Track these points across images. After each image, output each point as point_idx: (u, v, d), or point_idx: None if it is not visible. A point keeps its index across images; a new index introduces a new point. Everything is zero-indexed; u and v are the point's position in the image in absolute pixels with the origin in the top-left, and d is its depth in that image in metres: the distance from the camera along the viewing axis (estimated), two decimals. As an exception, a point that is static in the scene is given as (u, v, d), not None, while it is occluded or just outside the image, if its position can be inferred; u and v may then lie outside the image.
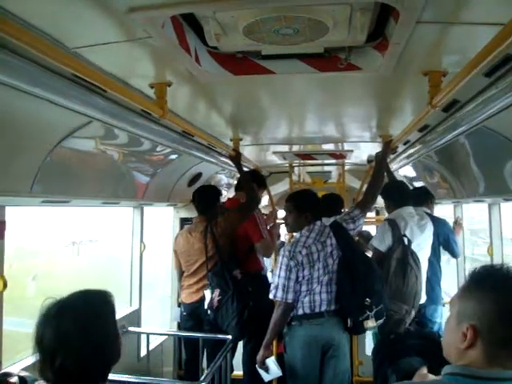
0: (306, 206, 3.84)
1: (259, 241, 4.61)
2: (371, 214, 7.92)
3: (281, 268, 3.64)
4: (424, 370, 1.84)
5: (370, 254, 6.01)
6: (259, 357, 3.72)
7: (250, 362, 4.33)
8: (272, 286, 3.68)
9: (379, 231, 4.31)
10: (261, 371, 3.75)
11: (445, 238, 4.77)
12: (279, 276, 3.63)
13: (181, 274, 4.74)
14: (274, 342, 5.01)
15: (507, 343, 1.42)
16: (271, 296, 3.66)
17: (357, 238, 5.66)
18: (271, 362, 3.70)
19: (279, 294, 3.61)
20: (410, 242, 4.13)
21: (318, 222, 3.81)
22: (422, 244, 4.29)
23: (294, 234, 4.07)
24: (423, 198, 4.88)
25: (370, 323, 3.54)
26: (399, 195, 4.49)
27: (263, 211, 5.53)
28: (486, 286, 1.47)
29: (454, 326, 1.51)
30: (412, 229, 4.23)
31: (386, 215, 7.63)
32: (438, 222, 4.68)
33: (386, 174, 4.81)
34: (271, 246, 4.79)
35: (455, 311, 1.52)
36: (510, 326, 1.41)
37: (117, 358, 1.73)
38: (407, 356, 2.96)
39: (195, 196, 4.66)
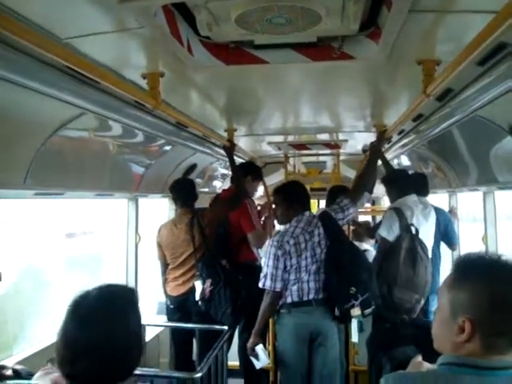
0: (294, 197, 3.92)
1: (251, 231, 4.67)
2: (367, 204, 7.92)
3: (269, 257, 3.74)
4: (419, 359, 1.85)
5: (369, 243, 6.10)
6: (249, 344, 3.80)
7: (245, 351, 4.36)
8: (261, 275, 3.77)
9: (386, 220, 4.27)
10: (252, 358, 3.82)
11: (444, 227, 4.79)
12: (268, 265, 3.73)
13: (165, 266, 4.76)
14: (270, 332, 5.06)
15: (504, 332, 1.43)
16: (260, 285, 3.75)
17: (353, 228, 5.68)
18: (260, 349, 3.79)
19: (268, 282, 3.71)
20: (417, 231, 4.14)
21: (307, 213, 3.88)
22: (427, 233, 4.30)
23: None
24: (423, 186, 4.87)
25: (356, 311, 3.59)
26: (403, 183, 4.49)
27: (258, 202, 5.53)
28: (475, 275, 1.47)
29: (446, 318, 1.50)
30: (418, 217, 4.23)
31: (384, 205, 7.68)
32: (437, 211, 4.69)
33: (382, 163, 4.83)
34: (263, 236, 4.81)
35: (446, 303, 1.52)
36: (504, 315, 1.41)
37: (141, 355, 1.69)
38: (402, 345, 2.97)
39: (175, 190, 4.73)
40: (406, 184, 4.49)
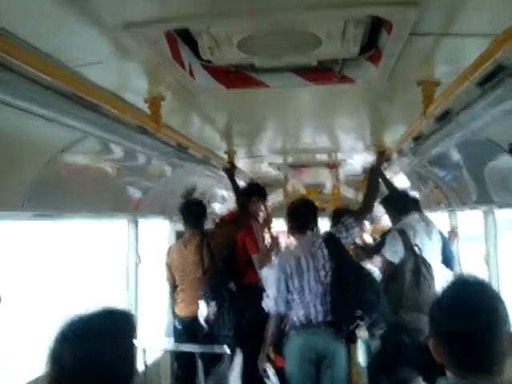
0: (295, 216, 3.96)
1: (255, 253, 4.65)
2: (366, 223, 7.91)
3: (270, 279, 3.78)
4: (419, 382, 1.84)
5: (373, 264, 6.08)
6: (261, 365, 3.78)
7: (249, 374, 4.32)
8: (264, 295, 3.79)
9: (389, 243, 4.25)
10: (266, 380, 3.80)
11: (442, 248, 4.78)
12: (270, 287, 3.76)
13: (173, 287, 4.74)
14: (274, 356, 5.02)
15: (466, 352, 1.46)
16: (264, 307, 3.76)
17: (351, 247, 5.66)
18: (269, 370, 3.77)
19: (271, 304, 3.72)
20: (420, 250, 4.14)
21: (309, 232, 3.86)
22: (431, 251, 4.29)
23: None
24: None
25: (362, 332, 3.57)
26: (402, 203, 4.49)
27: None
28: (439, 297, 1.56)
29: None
30: (421, 237, 4.23)
31: (382, 224, 7.64)
32: None
33: (384, 183, 4.83)
34: (265, 258, 4.79)
35: None
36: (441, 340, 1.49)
37: (133, 378, 1.66)
38: (403, 367, 2.95)
39: (184, 210, 4.68)
40: (405, 204, 4.49)
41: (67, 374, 1.52)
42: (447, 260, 4.84)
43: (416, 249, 4.11)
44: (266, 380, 3.79)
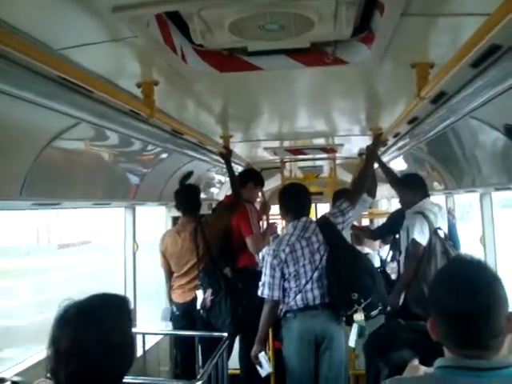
0: (290, 201, 3.95)
1: (249, 235, 4.67)
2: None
3: (266, 266, 3.77)
4: (415, 362, 1.86)
5: (370, 247, 6.12)
6: (253, 352, 3.81)
7: (246, 358, 4.35)
8: (260, 284, 3.78)
9: (418, 225, 4.24)
10: (257, 367, 3.84)
11: (448, 232, 4.80)
12: (265, 274, 3.76)
13: (169, 274, 4.75)
14: (270, 339, 5.05)
15: (449, 336, 1.50)
16: (259, 293, 3.77)
17: (351, 232, 5.67)
18: (262, 357, 3.80)
19: (266, 291, 3.74)
20: (445, 234, 4.24)
21: (303, 218, 3.86)
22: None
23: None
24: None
25: (358, 316, 3.58)
26: (421, 186, 4.53)
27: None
28: (436, 276, 1.60)
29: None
30: (439, 220, 4.30)
31: (382, 208, 7.66)
32: None
33: (379, 166, 4.83)
34: (261, 242, 4.80)
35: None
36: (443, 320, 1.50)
37: (131, 364, 1.71)
38: (398, 349, 2.97)
39: (178, 196, 4.67)
40: (424, 187, 4.54)
41: (65, 358, 1.56)
42: (454, 243, 4.87)
43: (440, 232, 4.19)
44: (258, 368, 3.83)
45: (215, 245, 4.55)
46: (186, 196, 4.68)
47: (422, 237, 4.19)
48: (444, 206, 5.60)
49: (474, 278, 1.48)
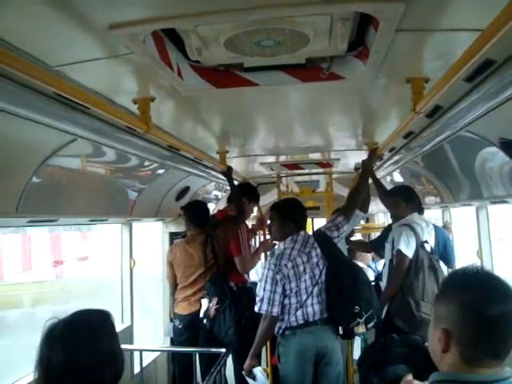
0: (288, 215, 3.87)
1: (238, 256, 4.65)
2: (361, 222, 7.92)
3: (266, 281, 3.66)
4: (409, 377, 1.84)
5: (362, 262, 6.11)
6: (246, 365, 3.72)
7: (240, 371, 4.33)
8: (257, 299, 3.70)
9: (404, 236, 4.22)
10: (249, 380, 3.76)
11: (443, 245, 4.79)
12: (264, 289, 3.65)
13: (174, 287, 4.80)
14: (268, 354, 5.01)
15: (480, 343, 1.42)
16: (256, 309, 3.69)
17: (347, 247, 5.67)
18: (258, 371, 3.74)
19: (264, 307, 3.63)
20: (432, 248, 4.25)
21: (302, 232, 3.83)
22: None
23: (277, 243, 4.10)
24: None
25: (361, 329, 3.57)
26: (415, 199, 4.53)
27: (252, 223, 5.55)
28: (452, 288, 1.53)
29: (432, 331, 1.53)
30: (425, 235, 4.30)
31: (379, 222, 7.66)
32: (436, 229, 4.70)
33: (373, 182, 4.83)
34: (248, 264, 4.77)
35: (432, 315, 1.56)
36: (476, 325, 1.42)
37: (121, 375, 1.72)
38: (392, 364, 2.96)
39: (188, 211, 4.89)
40: (420, 202, 4.56)
41: (57, 375, 1.57)
42: (449, 257, 4.85)
43: (427, 246, 4.19)
44: (251, 381, 3.75)
45: (222, 256, 4.64)
46: (198, 210, 4.93)
47: (407, 248, 4.17)
48: (440, 220, 5.63)
49: (504, 282, 1.46)
